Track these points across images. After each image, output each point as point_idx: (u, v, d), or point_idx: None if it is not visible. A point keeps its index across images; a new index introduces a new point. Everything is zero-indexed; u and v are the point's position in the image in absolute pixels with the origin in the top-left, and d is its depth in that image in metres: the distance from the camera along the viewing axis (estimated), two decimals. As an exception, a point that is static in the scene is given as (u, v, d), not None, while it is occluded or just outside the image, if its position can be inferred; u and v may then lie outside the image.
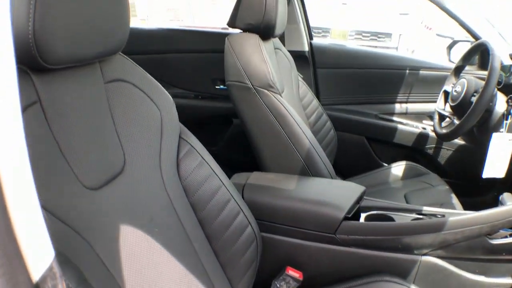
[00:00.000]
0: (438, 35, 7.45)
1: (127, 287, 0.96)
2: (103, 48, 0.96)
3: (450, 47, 2.80)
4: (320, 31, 5.40)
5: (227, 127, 2.81)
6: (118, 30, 0.98)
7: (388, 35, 5.82)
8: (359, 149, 2.75)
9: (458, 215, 1.59)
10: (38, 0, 0.75)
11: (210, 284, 1.18)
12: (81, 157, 0.91)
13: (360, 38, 5.67)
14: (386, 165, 2.60)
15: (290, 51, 2.30)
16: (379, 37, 5.77)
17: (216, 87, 2.78)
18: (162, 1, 2.91)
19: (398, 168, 2.46)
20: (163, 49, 2.88)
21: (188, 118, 2.86)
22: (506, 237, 1.62)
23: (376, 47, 5.62)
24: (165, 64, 2.88)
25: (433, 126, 2.37)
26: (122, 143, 1.03)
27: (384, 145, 2.76)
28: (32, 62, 0.81)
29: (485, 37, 2.35)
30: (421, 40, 6.67)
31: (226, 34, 1.91)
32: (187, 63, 2.86)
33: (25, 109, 0.81)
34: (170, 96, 1.21)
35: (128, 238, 0.99)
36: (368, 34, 5.71)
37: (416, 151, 2.73)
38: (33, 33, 0.76)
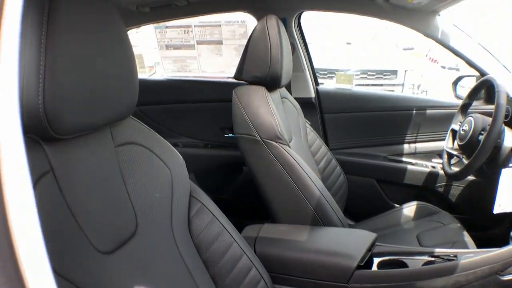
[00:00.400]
0: (442, 67, 7.51)
1: None
2: (113, 114, 0.98)
3: (455, 82, 2.81)
4: (326, 72, 5.44)
5: (237, 175, 2.83)
6: (127, 95, 1.00)
7: (394, 72, 5.83)
8: (370, 191, 2.75)
9: (469, 256, 1.58)
10: (48, 72, 0.77)
11: None
12: (94, 222, 0.92)
13: (366, 77, 5.70)
14: (397, 206, 2.59)
15: (297, 98, 2.34)
16: (384, 75, 5.78)
17: (225, 135, 2.81)
18: (169, 52, 2.96)
19: (409, 209, 2.45)
20: (172, 99, 2.92)
21: (198, 167, 2.90)
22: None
23: (382, 85, 5.65)
24: (174, 114, 2.93)
25: (443, 165, 2.35)
26: (134, 205, 1.04)
27: (394, 186, 2.75)
28: (43, 133, 0.82)
29: (489, 71, 2.39)
30: (427, 73, 6.71)
31: (233, 84, 1.95)
32: (196, 113, 2.89)
33: (39, 178, 0.82)
34: (180, 155, 1.23)
35: None
36: (374, 73, 5.74)
37: (427, 190, 2.72)
38: (43, 105, 0.77)
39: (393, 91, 5.72)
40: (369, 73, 5.67)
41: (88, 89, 0.87)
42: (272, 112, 1.77)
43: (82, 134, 0.92)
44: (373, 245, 1.69)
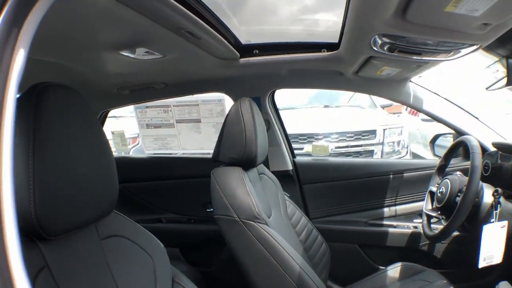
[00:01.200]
0: (422, 120, 7.63)
1: None
2: (96, 212, 1.06)
3: (432, 141, 2.89)
4: (305, 137, 5.50)
5: (221, 248, 2.84)
6: (107, 193, 1.09)
7: (372, 132, 5.91)
8: (354, 256, 2.76)
9: None
10: (36, 182, 0.87)
11: None
12: None
13: (345, 139, 5.77)
14: (382, 268, 2.60)
15: (275, 172, 2.40)
16: (363, 135, 5.86)
17: (207, 210, 2.84)
18: (150, 131, 3.03)
19: (394, 270, 2.46)
20: (155, 176, 2.97)
21: (183, 242, 2.92)
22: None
23: (361, 145, 5.71)
24: (157, 190, 2.97)
25: (422, 227, 2.40)
26: None
27: (378, 249, 2.77)
28: (37, 234, 0.91)
29: (464, 128, 2.49)
30: (406, 129, 6.80)
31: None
32: (178, 189, 2.94)
33: (37, 274, 0.90)
34: (160, 243, 1.29)
35: None
36: (352, 134, 5.80)
37: (411, 250, 2.74)
38: (34, 212, 0.87)
39: (373, 150, 5.79)
40: (347, 135, 5.75)
41: (72, 193, 0.96)
42: (249, 193, 1.81)
43: (71, 232, 1.01)
44: None
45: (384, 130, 5.99)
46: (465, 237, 2.57)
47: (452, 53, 1.71)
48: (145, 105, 3.00)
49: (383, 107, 7.22)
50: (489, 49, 1.90)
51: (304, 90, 6.93)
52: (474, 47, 1.61)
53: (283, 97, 6.66)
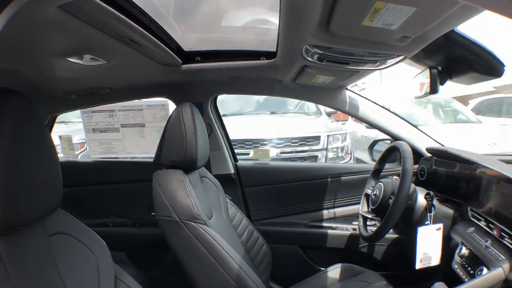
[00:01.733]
0: (367, 127, 7.84)
1: None
2: (43, 210, 1.13)
3: (371, 147, 3.01)
4: (251, 143, 5.55)
5: (167, 250, 2.86)
6: (53, 192, 1.16)
7: (317, 137, 6.01)
8: (294, 258, 2.83)
9: None
10: None
11: None
12: None
13: (289, 145, 5.85)
14: (323, 269, 2.65)
15: (217, 175, 2.44)
16: (307, 141, 5.96)
17: (152, 213, 2.85)
18: (96, 135, 3.04)
19: (334, 271, 2.51)
20: (100, 180, 2.97)
21: (129, 245, 2.93)
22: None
23: (306, 151, 5.81)
24: (103, 194, 2.97)
25: (359, 228, 2.48)
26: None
27: (318, 250, 2.85)
28: None
29: (400, 134, 2.61)
30: (349, 136, 6.95)
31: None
32: (123, 192, 2.94)
33: None
34: (103, 241, 1.34)
35: None
36: (297, 140, 5.88)
37: (350, 251, 2.83)
38: None
39: (317, 156, 5.90)
40: (292, 140, 5.84)
41: (20, 191, 1.03)
42: (188, 194, 1.86)
43: (19, 229, 1.07)
44: None
45: (328, 136, 6.10)
46: (403, 240, 2.67)
47: (378, 63, 1.82)
48: (91, 110, 2.99)
49: (328, 114, 7.37)
50: (417, 59, 2.03)
51: (251, 97, 7.03)
52: (400, 58, 1.72)
53: (230, 103, 6.72)
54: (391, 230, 2.78)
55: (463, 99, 11.51)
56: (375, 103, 2.72)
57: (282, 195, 2.92)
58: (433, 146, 2.66)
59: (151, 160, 2.11)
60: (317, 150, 6.00)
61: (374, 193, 2.39)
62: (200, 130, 2.01)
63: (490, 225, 1.93)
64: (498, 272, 1.66)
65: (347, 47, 1.54)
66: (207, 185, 2.25)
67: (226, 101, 6.45)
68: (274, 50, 2.10)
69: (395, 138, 2.68)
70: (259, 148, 5.31)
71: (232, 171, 2.88)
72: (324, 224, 2.89)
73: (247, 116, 6.61)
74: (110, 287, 1.29)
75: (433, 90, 2.06)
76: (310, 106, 7.29)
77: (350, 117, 9.61)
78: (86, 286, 1.23)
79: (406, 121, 2.75)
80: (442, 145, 2.68)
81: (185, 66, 2.30)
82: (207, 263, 1.86)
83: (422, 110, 9.01)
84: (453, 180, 2.19)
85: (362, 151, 7.91)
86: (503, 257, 1.71)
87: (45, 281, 1.11)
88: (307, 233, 2.86)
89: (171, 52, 2.01)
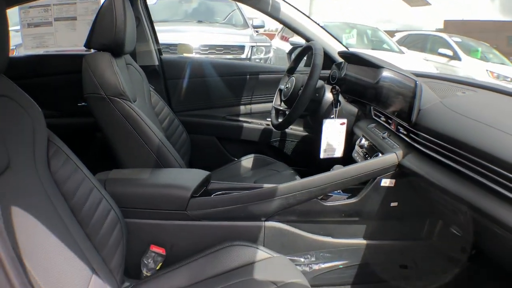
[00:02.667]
0: (291, 43, 8.04)
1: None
2: None
3: (290, 52, 3.20)
4: (176, 47, 5.58)
5: (90, 141, 2.95)
6: None
7: (241, 47, 6.18)
8: (212, 148, 3.04)
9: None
10: None
11: (88, 262, 1.37)
12: None
13: (214, 52, 5.97)
14: (237, 159, 2.88)
15: (142, 66, 2.54)
16: (232, 50, 6.09)
17: (78, 104, 2.88)
18: (31, 30, 3.04)
19: (247, 161, 2.75)
20: (30, 74, 2.97)
21: (57, 135, 3.01)
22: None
23: (230, 59, 5.92)
24: (32, 88, 2.99)
25: (271, 120, 2.69)
26: (7, 146, 1.27)
27: (234, 142, 3.08)
28: None
29: (317, 39, 2.74)
30: (278, 49, 7.12)
31: (83, 56, 2.13)
32: (52, 85, 2.97)
33: None
34: (38, 107, 1.46)
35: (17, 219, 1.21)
36: (221, 48, 6.02)
37: (263, 145, 3.07)
38: None
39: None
40: (217, 48, 5.94)
41: None
42: (116, 73, 1.99)
43: None
44: (207, 181, 1.99)
45: (252, 47, 6.25)
46: (311, 138, 2.91)
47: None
48: (29, 5, 2.99)
49: (255, 27, 7.49)
50: None
51: (180, 6, 7.03)
52: None
53: (158, 11, 6.69)
54: (301, 128, 3.08)
55: (391, 33, 11.78)
56: (296, 8, 2.83)
57: (203, 88, 3.08)
58: (344, 50, 2.83)
59: (79, 53, 2.19)
60: (241, 59, 6.16)
61: (286, 86, 2.56)
62: (130, 18, 2.11)
63: (389, 120, 2.16)
64: (391, 156, 1.91)
65: None
66: (132, 72, 2.36)
67: (154, 10, 6.32)
68: None
69: (309, 41, 2.79)
70: (183, 43, 5.38)
71: (157, 63, 2.99)
72: (241, 119, 3.10)
73: (174, 24, 6.62)
74: (43, 148, 1.42)
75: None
76: (238, 18, 7.37)
77: (277, 35, 9.83)
78: (22, 144, 1.35)
79: (323, 28, 2.91)
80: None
81: None
82: (131, 137, 2.03)
83: (346, 35, 9.22)
84: (360, 82, 2.32)
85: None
86: (398, 146, 1.96)
87: None
88: (224, 125, 3.07)
89: None
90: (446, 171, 1.61)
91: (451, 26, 15.64)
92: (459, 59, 9.63)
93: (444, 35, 11.00)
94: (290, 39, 7.83)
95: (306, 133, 3.04)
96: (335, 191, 2.01)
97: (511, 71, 9.11)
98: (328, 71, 2.55)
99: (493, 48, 10.32)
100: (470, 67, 9.20)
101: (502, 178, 1.32)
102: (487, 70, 9.11)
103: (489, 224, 1.42)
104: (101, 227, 1.52)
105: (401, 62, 7.35)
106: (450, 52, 9.77)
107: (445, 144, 1.62)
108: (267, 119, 3.05)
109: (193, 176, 1.96)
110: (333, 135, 2.34)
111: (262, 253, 1.70)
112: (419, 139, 1.81)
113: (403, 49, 9.60)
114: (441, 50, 9.83)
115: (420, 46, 11.11)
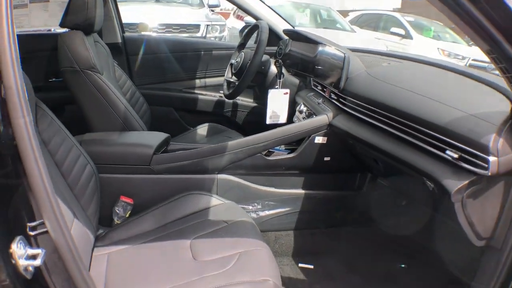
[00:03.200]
0: (245, 22, 8.25)
1: None
2: None
3: (241, 31, 3.37)
4: (134, 27, 5.68)
5: (60, 114, 3.10)
6: None
7: (196, 26, 6.41)
8: (169, 118, 3.30)
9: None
10: None
11: (70, 208, 1.47)
12: None
13: (171, 31, 6.16)
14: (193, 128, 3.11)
15: (107, 43, 2.75)
16: (188, 29, 6.31)
17: (49, 80, 3.03)
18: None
19: (202, 129, 3.00)
20: None
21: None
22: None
23: (186, 38, 6.13)
24: None
25: (223, 91, 2.95)
26: None
27: (190, 113, 3.35)
28: None
29: (265, 18, 3.00)
30: (233, 27, 7.27)
31: (57, 34, 2.33)
32: (25, 63, 3.11)
33: None
34: (25, 74, 1.54)
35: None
36: (178, 27, 6.22)
37: (217, 115, 3.34)
38: None
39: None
40: (173, 27, 6.14)
41: None
42: (87, 49, 2.23)
43: None
44: (167, 142, 2.30)
45: (207, 26, 6.46)
46: (260, 108, 3.18)
47: None
48: None
49: (211, 7, 7.69)
50: None
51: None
52: None
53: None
54: (251, 100, 3.38)
55: (344, 13, 11.92)
56: None
57: (162, 63, 3.32)
58: (288, 28, 3.11)
59: (53, 32, 2.37)
60: (196, 37, 6.36)
61: (236, 60, 2.82)
62: (99, 0, 2.35)
63: (324, 89, 2.50)
64: (323, 117, 2.27)
65: None
66: (99, 49, 2.58)
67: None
68: None
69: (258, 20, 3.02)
70: (142, 22, 5.53)
71: (120, 40, 3.22)
72: (196, 91, 3.37)
73: (134, 3, 6.75)
74: (32, 111, 1.48)
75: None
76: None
77: (232, 14, 10.01)
78: None
79: (271, 8, 3.20)
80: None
81: None
82: (101, 105, 2.29)
83: (299, 14, 9.49)
84: (302, 57, 2.50)
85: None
86: (329, 109, 2.31)
87: None
88: (181, 97, 3.33)
89: None
90: (368, 127, 1.99)
91: (408, 6, 15.83)
92: (410, 37, 9.86)
93: (397, 15, 11.21)
94: (244, 18, 8.10)
95: (255, 104, 3.32)
96: (277, 148, 2.35)
97: (463, 49, 9.39)
98: (276, 48, 2.78)
99: (447, 28, 10.51)
100: (421, 46, 9.42)
101: (411, 129, 1.67)
102: (438, 48, 9.36)
103: (405, 169, 1.80)
104: (79, 179, 1.69)
105: (351, 41, 7.73)
106: (402, 31, 9.96)
107: (366, 105, 1.98)
108: (220, 91, 3.30)
109: (155, 137, 2.27)
110: (277, 104, 2.54)
111: (215, 200, 1.96)
112: (347, 103, 2.17)
113: (355, 28, 9.88)
114: (393, 29, 9.99)
115: (373, 25, 11.29)
